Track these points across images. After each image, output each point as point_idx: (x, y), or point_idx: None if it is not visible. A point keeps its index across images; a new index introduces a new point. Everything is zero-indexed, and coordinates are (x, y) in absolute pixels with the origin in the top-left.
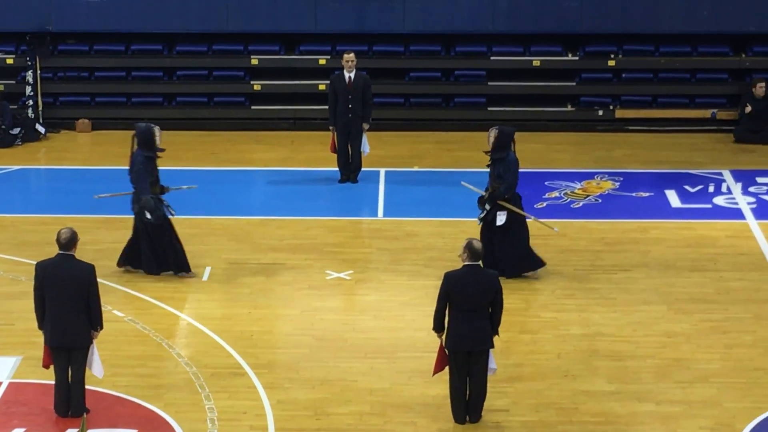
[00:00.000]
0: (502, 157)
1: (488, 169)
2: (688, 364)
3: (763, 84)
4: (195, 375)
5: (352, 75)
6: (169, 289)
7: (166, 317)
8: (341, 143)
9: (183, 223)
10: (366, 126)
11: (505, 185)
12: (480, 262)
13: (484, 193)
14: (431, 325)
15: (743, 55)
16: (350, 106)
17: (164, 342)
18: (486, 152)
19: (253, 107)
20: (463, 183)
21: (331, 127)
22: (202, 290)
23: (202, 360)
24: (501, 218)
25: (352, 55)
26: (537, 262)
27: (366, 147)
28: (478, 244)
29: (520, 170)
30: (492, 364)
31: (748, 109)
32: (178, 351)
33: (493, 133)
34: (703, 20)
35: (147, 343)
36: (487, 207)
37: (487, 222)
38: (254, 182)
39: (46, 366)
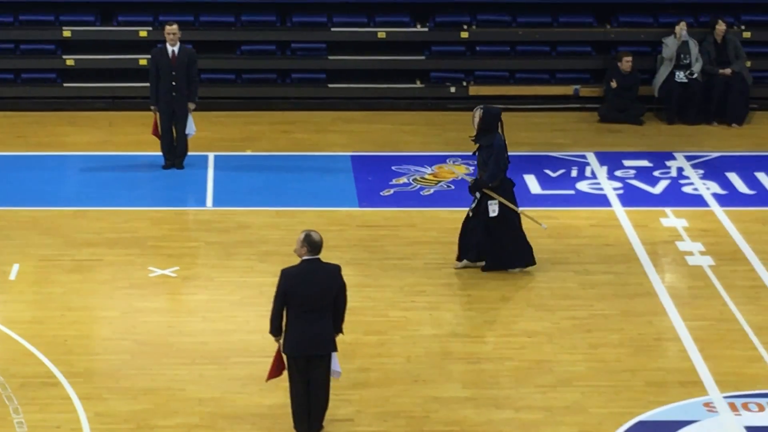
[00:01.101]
0: (488, 144)
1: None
2: (550, 366)
3: (629, 58)
4: (1, 386)
5: (176, 49)
6: None
7: None
8: (164, 125)
9: None
10: (192, 106)
11: (488, 173)
12: (320, 257)
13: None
14: (267, 328)
15: (608, 26)
16: (174, 83)
17: None
18: (471, 137)
19: (65, 85)
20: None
21: (153, 107)
22: (8, 291)
23: (10, 369)
24: (493, 208)
25: (175, 26)
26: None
27: (191, 129)
28: (317, 236)
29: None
30: (336, 367)
31: (614, 84)
32: None
33: (477, 113)
34: None
35: None
36: (477, 195)
37: (478, 213)
38: (67, 169)
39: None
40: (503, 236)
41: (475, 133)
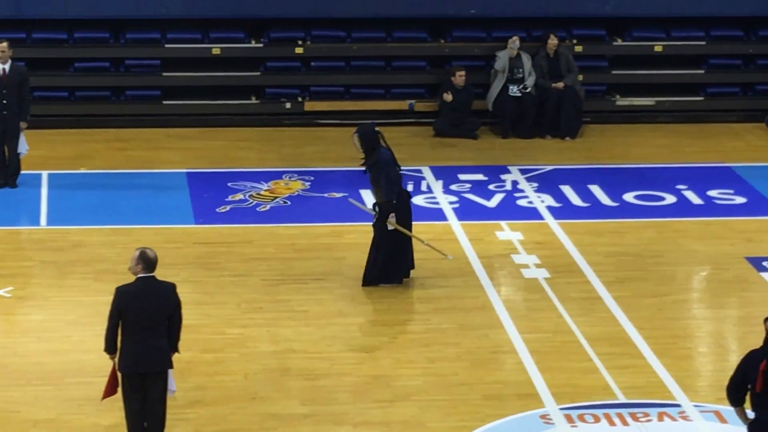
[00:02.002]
0: (376, 161)
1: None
2: (388, 381)
3: (463, 72)
4: None
5: (7, 67)
6: None
7: None
8: None
9: None
10: (24, 125)
11: (384, 192)
12: (155, 274)
13: (374, 212)
14: (102, 347)
15: (442, 41)
16: (5, 102)
17: None
18: (360, 160)
19: None
20: (350, 200)
21: None
22: None
23: None
24: (390, 219)
25: (5, 44)
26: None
27: (24, 147)
28: (151, 253)
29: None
30: (171, 385)
31: (449, 97)
32: None
33: (354, 138)
34: (398, 3)
35: None
36: (390, 227)
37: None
38: None
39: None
40: (391, 251)
41: (362, 157)
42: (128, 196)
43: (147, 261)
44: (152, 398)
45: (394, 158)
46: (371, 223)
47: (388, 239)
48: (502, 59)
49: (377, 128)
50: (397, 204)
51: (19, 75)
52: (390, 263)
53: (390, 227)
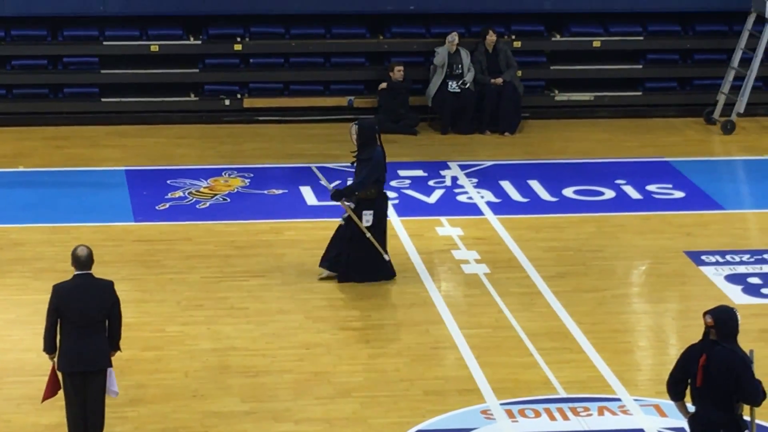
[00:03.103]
0: (368, 157)
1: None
2: (329, 377)
3: (401, 68)
4: None
5: None
6: None
7: None
8: None
9: None
10: None
11: (358, 180)
12: (92, 272)
13: (330, 187)
14: (41, 345)
15: (381, 37)
16: None
17: None
18: (353, 152)
19: None
20: (313, 168)
21: None
22: None
23: None
24: (367, 218)
25: None
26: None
27: None
28: (82, 251)
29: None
30: (113, 386)
31: (383, 85)
32: None
33: (353, 129)
34: None
35: None
36: (350, 204)
37: (349, 222)
38: None
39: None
40: (365, 248)
41: (356, 148)
42: (67, 194)
43: (77, 259)
44: (91, 397)
45: (384, 159)
46: (340, 219)
47: (360, 234)
48: (440, 55)
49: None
50: (378, 204)
51: None
52: (363, 259)
53: (365, 223)
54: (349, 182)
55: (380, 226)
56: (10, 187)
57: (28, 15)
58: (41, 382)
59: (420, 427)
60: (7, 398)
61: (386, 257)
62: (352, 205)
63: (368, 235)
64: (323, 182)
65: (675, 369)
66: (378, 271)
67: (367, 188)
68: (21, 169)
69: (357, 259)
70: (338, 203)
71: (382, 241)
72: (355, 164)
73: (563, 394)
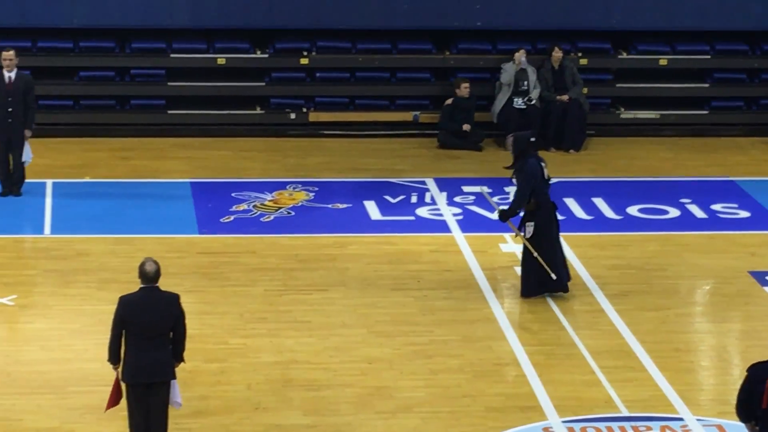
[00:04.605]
0: (519, 169)
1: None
2: (391, 392)
3: (467, 84)
4: None
5: (13, 75)
6: None
7: None
8: (1, 153)
9: None
10: (28, 133)
11: (513, 199)
12: (158, 285)
13: (497, 208)
14: (106, 356)
15: (447, 53)
16: (10, 110)
17: None
18: (505, 167)
19: None
20: (482, 190)
21: None
22: None
23: None
24: (529, 229)
25: (11, 52)
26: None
27: (28, 156)
28: (149, 266)
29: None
30: (176, 397)
31: (449, 101)
32: None
33: (509, 140)
34: (404, 14)
35: None
36: (524, 230)
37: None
38: None
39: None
40: (533, 263)
41: (512, 161)
42: (132, 205)
43: (144, 274)
44: (155, 409)
45: (542, 171)
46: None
47: (534, 247)
48: (507, 73)
49: (531, 138)
50: (540, 215)
51: (25, 83)
52: (542, 270)
53: (527, 234)
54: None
55: (549, 235)
56: (76, 198)
57: (96, 26)
58: (104, 392)
59: None
60: (70, 408)
61: (553, 276)
62: (522, 232)
63: (535, 254)
64: (491, 203)
65: (741, 390)
66: (547, 283)
67: (523, 202)
68: (87, 180)
69: (528, 274)
70: (505, 223)
71: (552, 251)
72: (513, 178)
73: (625, 413)
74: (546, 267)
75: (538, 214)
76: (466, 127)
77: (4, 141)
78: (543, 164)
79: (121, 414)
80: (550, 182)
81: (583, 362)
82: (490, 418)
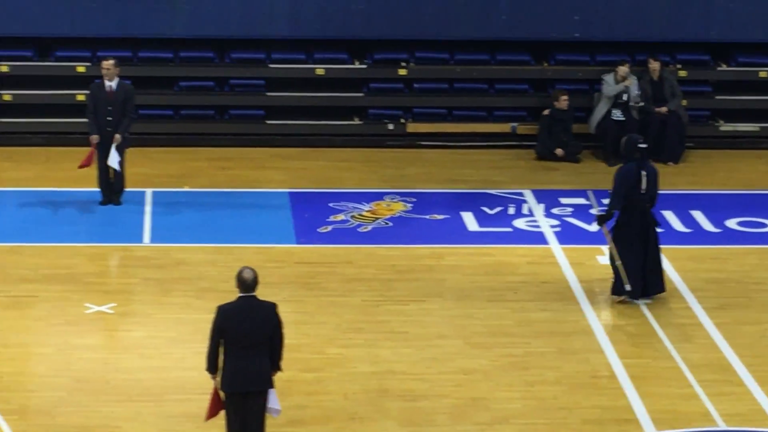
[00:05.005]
0: (618, 170)
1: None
2: (487, 403)
3: (566, 96)
4: None
5: (114, 84)
6: None
7: None
8: (102, 162)
9: None
10: (118, 137)
11: (608, 203)
12: (256, 294)
13: (597, 212)
14: (203, 365)
15: (545, 64)
16: (110, 118)
17: None
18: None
19: (2, 120)
20: (589, 193)
21: (94, 137)
22: None
23: None
24: (604, 229)
25: (111, 62)
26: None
27: (114, 160)
28: (248, 274)
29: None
30: (275, 404)
31: (546, 111)
32: None
33: (622, 141)
34: (502, 25)
35: None
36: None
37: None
38: (3, 205)
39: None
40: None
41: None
42: (231, 214)
43: (243, 282)
44: (251, 417)
45: (638, 179)
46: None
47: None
48: (610, 85)
49: (640, 143)
50: (620, 222)
51: (125, 92)
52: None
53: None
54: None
55: (627, 244)
56: (175, 207)
57: (196, 37)
58: (202, 400)
59: None
60: (169, 415)
61: (627, 287)
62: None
63: (618, 262)
64: (594, 207)
65: None
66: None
67: (615, 204)
68: (186, 189)
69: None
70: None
71: (629, 259)
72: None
73: (723, 427)
74: (623, 276)
75: (618, 220)
76: (558, 152)
77: (106, 150)
78: (644, 173)
79: (218, 422)
80: (646, 194)
81: (681, 375)
82: (586, 430)
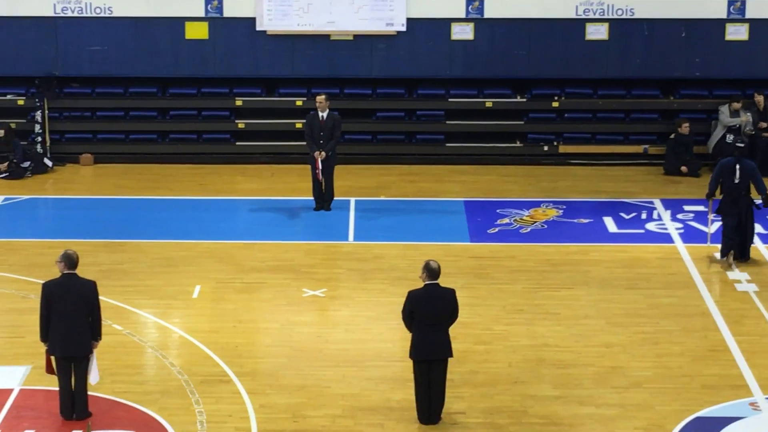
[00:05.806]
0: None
1: None
2: (624, 371)
3: (687, 123)
4: (186, 382)
5: (325, 114)
6: (162, 305)
7: (160, 330)
8: (315, 173)
9: (175, 247)
10: (322, 155)
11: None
12: (438, 282)
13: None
14: (395, 337)
15: (671, 98)
16: (322, 142)
17: (158, 353)
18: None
19: (237, 143)
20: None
21: (316, 153)
22: (191, 306)
23: (192, 368)
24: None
25: (323, 96)
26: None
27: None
28: (434, 265)
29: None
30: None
31: (672, 136)
32: (170, 360)
33: None
34: (636, 66)
35: (143, 353)
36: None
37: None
38: (238, 210)
39: (49, 372)
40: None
41: None
42: (418, 219)
43: (431, 271)
44: (435, 380)
45: (732, 171)
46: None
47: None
48: (725, 114)
49: (738, 143)
50: (722, 204)
51: (333, 121)
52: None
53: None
54: None
55: (726, 220)
56: (374, 212)
57: (390, 77)
58: (396, 366)
59: (698, 414)
60: (368, 378)
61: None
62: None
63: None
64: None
65: None
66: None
67: (711, 188)
68: (382, 198)
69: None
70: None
71: (727, 229)
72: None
73: None
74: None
75: (721, 202)
76: (683, 169)
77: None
78: (738, 166)
79: (407, 384)
80: (740, 183)
81: None
82: (705, 393)
